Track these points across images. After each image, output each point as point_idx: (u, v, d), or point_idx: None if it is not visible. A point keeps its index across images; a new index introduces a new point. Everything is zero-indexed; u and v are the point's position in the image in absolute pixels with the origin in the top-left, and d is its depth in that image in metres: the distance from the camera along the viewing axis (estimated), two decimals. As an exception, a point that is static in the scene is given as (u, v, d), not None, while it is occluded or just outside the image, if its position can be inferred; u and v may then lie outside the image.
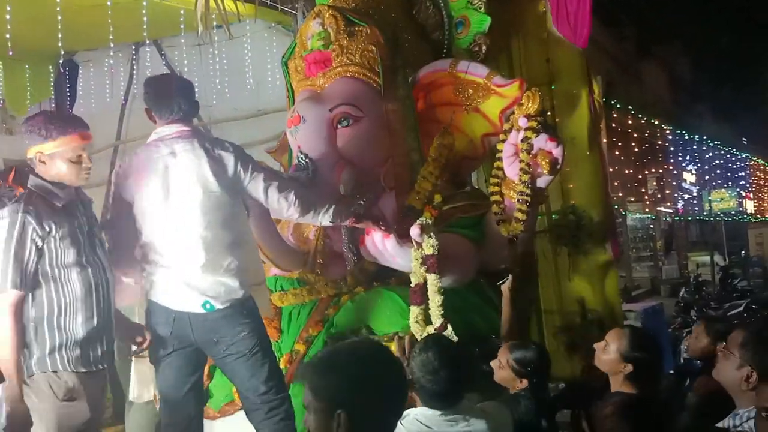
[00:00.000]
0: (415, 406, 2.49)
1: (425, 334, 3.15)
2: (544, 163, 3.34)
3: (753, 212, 27.59)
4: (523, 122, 3.38)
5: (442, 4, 4.23)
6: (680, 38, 25.62)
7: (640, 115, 15.83)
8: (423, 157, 3.82)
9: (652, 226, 21.09)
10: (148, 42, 6.92)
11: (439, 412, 2.42)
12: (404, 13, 4.25)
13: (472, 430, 2.42)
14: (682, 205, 25.65)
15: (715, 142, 22.82)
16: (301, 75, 4.13)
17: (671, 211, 23.97)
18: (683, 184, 25.98)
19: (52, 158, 2.78)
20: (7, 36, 5.10)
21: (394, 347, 3.10)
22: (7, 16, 5.05)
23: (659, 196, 21.69)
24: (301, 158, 3.82)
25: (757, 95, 32.09)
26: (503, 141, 3.53)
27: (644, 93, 23.15)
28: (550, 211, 4.93)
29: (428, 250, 3.29)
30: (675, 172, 24.02)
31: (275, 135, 5.78)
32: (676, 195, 24.90)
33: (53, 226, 2.73)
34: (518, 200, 3.43)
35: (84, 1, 5.47)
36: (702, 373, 3.39)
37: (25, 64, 7.21)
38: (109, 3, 5.26)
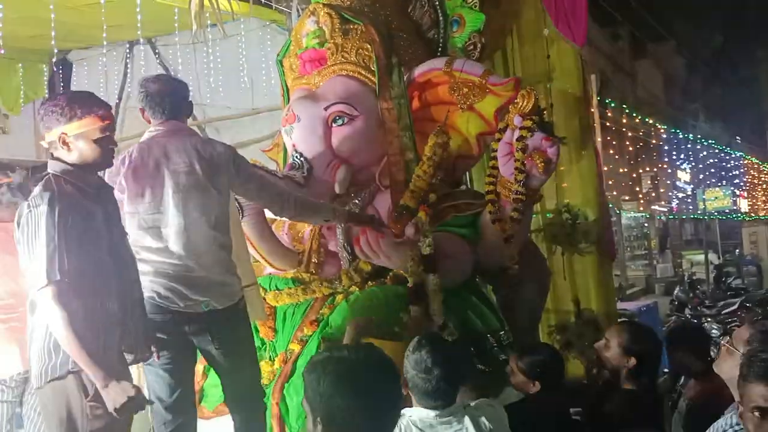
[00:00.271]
0: (410, 405, 2.49)
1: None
2: (539, 162, 3.33)
3: (747, 211, 27.65)
4: (518, 121, 3.38)
5: (437, 3, 4.22)
6: (674, 37, 25.65)
7: (634, 114, 15.87)
8: (418, 156, 3.82)
9: (646, 224, 21.14)
10: (142, 41, 6.90)
11: (433, 413, 2.42)
12: (399, 12, 4.24)
13: (467, 429, 2.42)
14: (677, 203, 25.73)
15: (709, 141, 22.89)
16: (296, 73, 4.13)
17: (665, 209, 24.04)
18: (677, 183, 26.06)
19: (77, 139, 2.59)
20: (0, 34, 5.07)
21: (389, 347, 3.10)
22: (0, 15, 5.02)
23: (653, 194, 21.76)
24: (296, 157, 3.81)
25: (750, 94, 32.18)
26: (498, 140, 3.52)
27: (638, 92, 23.20)
28: (545, 210, 4.94)
29: (424, 250, 3.29)
30: (669, 170, 24.12)
31: (270, 134, 5.79)
32: (670, 194, 24.99)
33: (88, 212, 2.58)
34: (513, 199, 3.43)
35: (78, 0, 5.45)
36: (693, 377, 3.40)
37: (19, 62, 7.20)
38: (102, 1, 5.24)
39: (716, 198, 22.43)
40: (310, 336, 3.63)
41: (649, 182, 21.23)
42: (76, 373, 2.53)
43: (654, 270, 19.71)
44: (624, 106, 15.41)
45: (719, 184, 24.62)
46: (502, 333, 3.61)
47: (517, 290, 3.87)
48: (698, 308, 11.18)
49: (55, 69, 7.36)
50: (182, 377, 2.99)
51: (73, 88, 7.44)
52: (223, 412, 3.53)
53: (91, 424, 2.53)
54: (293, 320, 3.76)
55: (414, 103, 3.98)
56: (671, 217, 25.08)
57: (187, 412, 3.03)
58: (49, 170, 2.60)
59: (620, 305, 6.70)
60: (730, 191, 23.63)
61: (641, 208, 20.09)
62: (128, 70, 7.25)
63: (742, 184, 27.59)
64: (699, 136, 22.60)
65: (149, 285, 2.91)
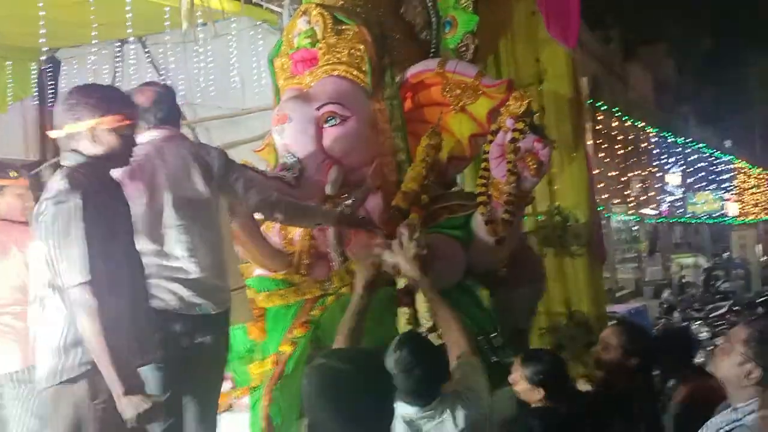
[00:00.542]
0: None
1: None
2: (531, 164, 3.33)
3: (736, 214, 27.83)
4: (510, 123, 3.37)
5: (429, 4, 4.21)
6: (665, 41, 25.79)
7: (625, 117, 15.95)
8: (410, 158, 3.81)
9: (636, 227, 21.22)
10: (132, 39, 6.85)
11: (414, 409, 2.44)
12: (392, 12, 4.23)
13: (447, 421, 2.43)
14: (666, 207, 25.85)
15: (699, 145, 23.03)
16: (287, 73, 4.10)
17: (655, 212, 24.15)
18: (667, 186, 26.20)
19: (108, 133, 2.55)
20: (-12, 32, 5.04)
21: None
22: (-11, 12, 4.99)
23: (643, 198, 21.84)
24: (287, 157, 3.79)
25: (740, 98, 32.38)
26: (490, 142, 3.52)
27: (629, 94, 23.31)
28: (536, 212, 4.95)
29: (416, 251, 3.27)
30: (659, 174, 24.23)
31: (261, 134, 5.75)
32: (660, 197, 25.10)
33: (109, 208, 2.54)
34: (505, 201, 3.42)
35: (67, -3, 5.42)
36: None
37: (7, 60, 7.14)
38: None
39: (706, 201, 22.62)
40: (301, 337, 3.62)
41: (638, 185, 21.31)
42: (91, 375, 2.45)
43: (643, 273, 19.78)
44: (615, 109, 15.47)
45: (709, 187, 24.81)
46: (493, 335, 3.60)
47: (511, 291, 3.87)
48: (687, 311, 11.26)
49: (43, 67, 7.30)
50: (173, 378, 2.97)
51: (61, 86, 7.38)
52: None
53: (103, 429, 2.47)
54: (284, 322, 3.74)
55: (406, 104, 3.97)
56: (661, 220, 25.21)
57: (178, 414, 3.02)
58: (64, 162, 2.55)
59: (610, 308, 6.71)
60: (719, 195, 23.83)
61: (631, 211, 20.17)
62: (118, 69, 7.20)
63: (731, 187, 27.78)
64: (689, 140, 22.74)
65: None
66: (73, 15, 5.65)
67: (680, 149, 22.80)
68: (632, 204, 20.33)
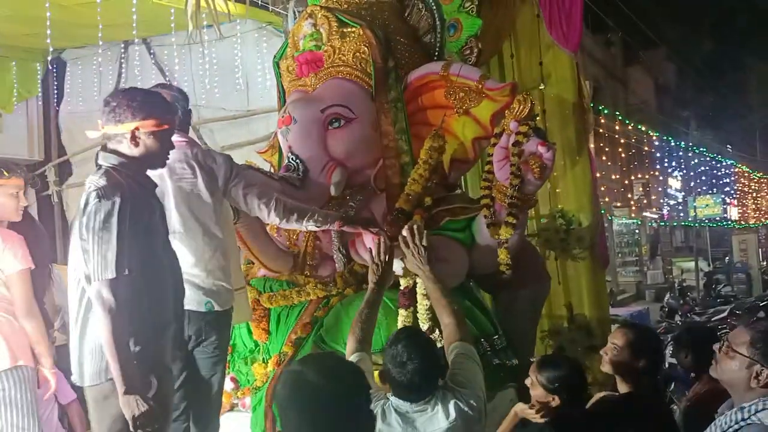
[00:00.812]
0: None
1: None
2: (534, 167, 3.33)
3: (737, 219, 27.81)
4: (514, 126, 3.38)
5: (434, 7, 4.22)
6: (666, 45, 25.78)
7: (626, 121, 15.94)
8: (414, 160, 3.82)
9: (637, 231, 21.19)
10: (137, 40, 6.88)
11: (408, 404, 2.46)
12: (396, 15, 4.24)
13: (439, 413, 2.44)
14: (668, 210, 25.85)
15: (701, 149, 23.01)
16: (292, 75, 4.12)
17: (657, 216, 24.15)
18: (669, 190, 26.20)
19: (148, 136, 2.59)
20: (-6, 32, 5.06)
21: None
22: (-5, 12, 5.01)
23: (645, 201, 21.84)
24: (292, 159, 3.81)
25: (741, 103, 32.35)
26: (494, 145, 3.53)
27: (629, 99, 23.32)
28: (539, 215, 4.95)
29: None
30: (661, 178, 24.24)
31: (265, 135, 5.78)
32: (661, 201, 25.12)
33: (148, 207, 2.60)
34: (508, 204, 3.43)
35: (73, -1, 5.44)
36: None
37: (12, 60, 7.16)
38: (98, 0, 5.22)
39: (707, 206, 22.58)
40: (304, 338, 3.63)
41: (640, 189, 21.31)
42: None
43: (644, 276, 19.77)
44: (617, 112, 15.47)
45: (710, 191, 24.79)
46: (495, 337, 3.61)
47: (515, 294, 3.88)
48: (688, 315, 11.25)
49: (49, 67, 7.32)
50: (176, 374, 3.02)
51: (67, 87, 7.41)
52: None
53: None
54: (287, 322, 3.76)
55: (410, 106, 3.98)
56: (662, 223, 25.20)
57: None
58: (103, 162, 2.59)
59: (611, 311, 6.72)
60: (720, 199, 23.81)
61: (633, 215, 20.16)
62: (123, 70, 7.22)
63: (732, 192, 27.76)
64: (690, 144, 22.73)
65: None
66: (78, 16, 5.67)
67: (682, 153, 22.79)
68: (634, 207, 20.33)
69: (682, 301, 13.18)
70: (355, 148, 3.87)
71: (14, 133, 7.54)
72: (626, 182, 19.75)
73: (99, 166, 2.58)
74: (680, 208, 25.98)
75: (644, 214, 21.83)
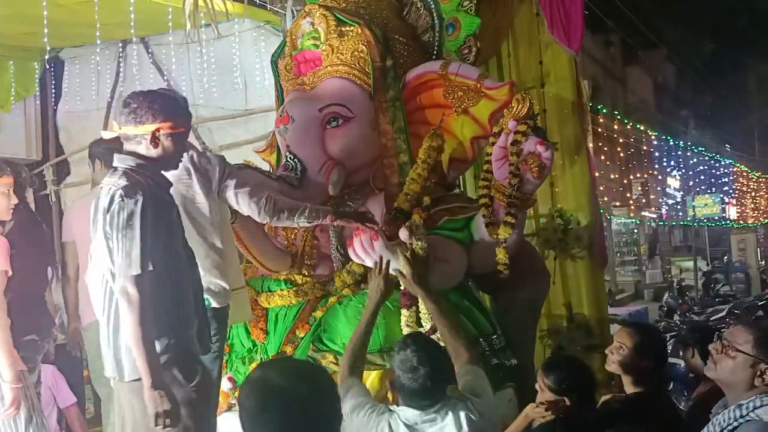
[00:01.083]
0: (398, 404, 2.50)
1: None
2: (533, 166, 3.33)
3: (736, 218, 27.82)
4: (512, 125, 3.37)
5: (432, 6, 4.21)
6: (665, 44, 25.78)
7: (625, 121, 15.94)
8: (412, 159, 3.81)
9: (636, 230, 21.18)
10: (135, 40, 6.85)
11: (417, 413, 2.44)
12: (395, 14, 4.23)
13: (450, 425, 2.43)
14: (666, 210, 25.85)
15: (699, 149, 23.02)
16: (290, 74, 4.11)
17: (655, 215, 24.14)
18: (667, 190, 26.20)
19: (166, 138, 2.68)
20: (-8, 31, 5.04)
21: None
22: (-8, 11, 4.99)
23: (644, 200, 21.83)
24: (290, 158, 3.80)
25: (740, 102, 32.36)
26: (493, 144, 3.52)
27: (629, 98, 23.32)
28: (538, 214, 4.95)
29: (417, 252, 3.29)
30: (659, 177, 24.22)
31: (263, 134, 5.76)
32: (660, 200, 25.11)
33: (168, 206, 2.68)
34: (507, 203, 3.43)
35: (71, -3, 5.41)
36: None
37: (10, 60, 7.13)
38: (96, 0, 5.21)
39: (705, 205, 22.59)
40: (302, 338, 3.63)
41: (639, 188, 21.30)
42: (170, 369, 2.59)
43: (643, 276, 19.76)
44: (615, 112, 15.47)
45: (709, 191, 24.81)
46: (494, 337, 3.61)
47: (514, 294, 3.87)
48: (687, 314, 11.24)
49: (47, 67, 7.29)
50: None
51: (65, 86, 7.38)
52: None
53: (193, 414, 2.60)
54: (285, 322, 3.75)
55: (408, 105, 3.98)
56: (661, 223, 25.20)
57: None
58: (120, 164, 2.65)
59: (610, 310, 6.71)
60: (719, 198, 23.82)
61: (631, 214, 20.16)
62: (121, 69, 7.19)
63: (731, 191, 27.76)
64: (689, 144, 22.74)
65: None
66: (76, 15, 5.64)
67: (680, 152, 22.80)
68: (633, 207, 20.33)
69: (680, 301, 13.18)
70: (354, 148, 3.86)
71: (12, 132, 7.50)
72: (625, 182, 19.73)
73: (115, 168, 2.65)
74: (679, 207, 25.99)
75: (643, 213, 21.83)
